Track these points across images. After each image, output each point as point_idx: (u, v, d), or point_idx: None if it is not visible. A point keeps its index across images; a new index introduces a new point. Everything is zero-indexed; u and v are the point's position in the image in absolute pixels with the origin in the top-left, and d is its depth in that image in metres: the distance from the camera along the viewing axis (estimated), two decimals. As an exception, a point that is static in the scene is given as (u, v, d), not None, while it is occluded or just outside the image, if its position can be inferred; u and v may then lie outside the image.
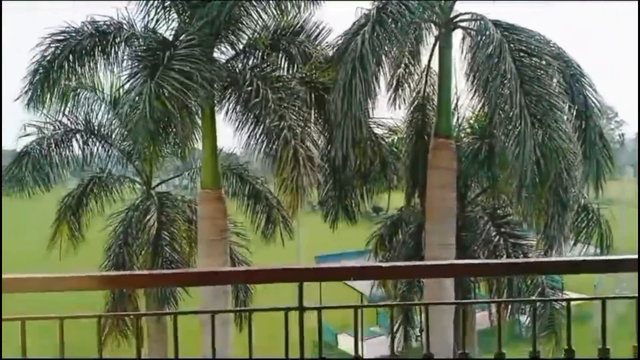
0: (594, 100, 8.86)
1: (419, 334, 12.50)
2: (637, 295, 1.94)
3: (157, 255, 9.75)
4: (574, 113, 8.52)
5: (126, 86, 8.16)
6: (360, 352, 1.97)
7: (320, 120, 10.03)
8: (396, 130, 10.95)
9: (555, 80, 8.05)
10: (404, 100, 10.93)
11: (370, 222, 13.36)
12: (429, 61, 10.11)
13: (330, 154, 8.88)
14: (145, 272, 1.61)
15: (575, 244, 11.17)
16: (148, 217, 10.20)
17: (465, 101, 10.15)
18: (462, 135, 11.37)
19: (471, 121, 11.55)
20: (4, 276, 1.59)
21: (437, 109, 9.81)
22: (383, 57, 8.26)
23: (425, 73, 10.53)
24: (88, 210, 11.82)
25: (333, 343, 20.93)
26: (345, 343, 20.66)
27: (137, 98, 7.08)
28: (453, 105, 10.06)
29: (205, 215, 8.94)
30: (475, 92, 9.04)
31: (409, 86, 10.90)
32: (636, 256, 1.76)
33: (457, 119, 11.09)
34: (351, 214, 9.99)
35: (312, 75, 9.26)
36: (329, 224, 9.71)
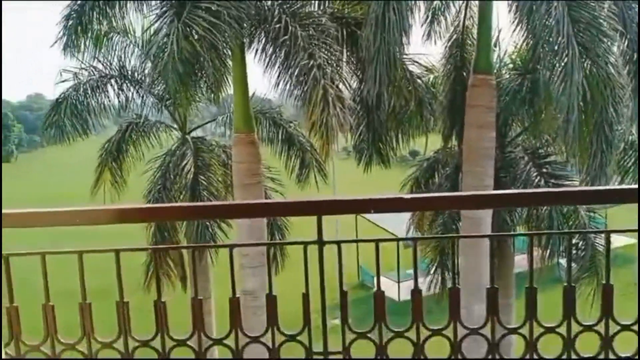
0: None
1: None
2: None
3: (195, 199, 9.92)
4: (626, 43, 7.85)
5: (154, 27, 8.03)
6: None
7: (352, 59, 9.70)
8: (432, 69, 10.46)
9: (606, 5, 7.38)
10: (440, 35, 10.37)
11: (407, 166, 13.14)
12: (469, -8, 9.47)
13: (362, 95, 8.61)
14: (165, 205, 1.54)
15: (620, 184, 10.68)
16: (184, 162, 10.33)
17: (507, 34, 9.54)
18: (503, 71, 10.80)
19: (513, 56, 10.92)
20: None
21: (476, 44, 9.26)
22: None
23: (464, 4, 9.89)
24: (128, 156, 12.07)
25: (371, 285, 21.35)
26: (384, 286, 21.02)
27: (164, 39, 6.96)
28: (494, 40, 9.48)
29: (239, 159, 8.96)
30: (518, 23, 8.45)
31: (446, 20, 10.30)
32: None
33: (498, 54, 10.51)
34: (385, 158, 9.76)
35: (344, 11, 8.86)
36: (362, 167, 9.52)
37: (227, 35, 7.87)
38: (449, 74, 10.32)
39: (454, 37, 10.21)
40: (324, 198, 1.57)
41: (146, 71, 10.87)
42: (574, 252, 10.36)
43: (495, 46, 9.72)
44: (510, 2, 8.58)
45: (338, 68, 8.08)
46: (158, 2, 8.18)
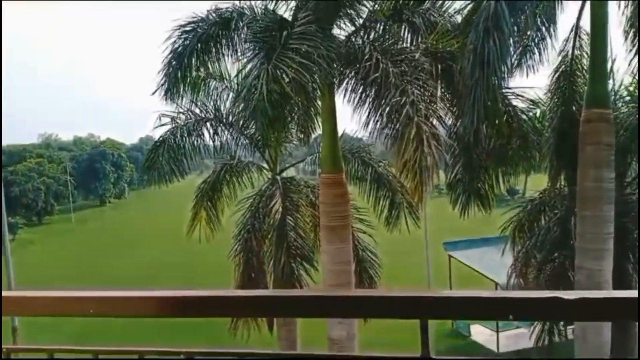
0: None
1: (562, 328, 11.11)
2: None
3: (282, 241, 9.76)
4: None
5: (246, 70, 8.12)
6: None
7: (447, 95, 9.17)
8: (538, 103, 9.59)
9: None
10: (533, 68, 9.49)
11: (503, 206, 12.16)
12: (578, 19, 8.64)
13: (458, 132, 8.01)
14: (218, 293, 1.21)
15: None
16: (273, 202, 10.25)
17: (623, 64, 8.54)
18: (620, 104, 9.66)
19: (630, 88, 9.78)
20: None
21: (589, 74, 8.33)
22: (521, 16, 7.14)
23: (573, 32, 9.04)
24: (222, 195, 12.30)
25: (466, 333, 19.88)
26: (479, 334, 19.54)
27: (254, 81, 6.94)
28: (609, 70, 8.50)
29: (325, 200, 8.67)
30: (637, 52, 7.51)
31: (539, 52, 9.45)
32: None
33: (612, 86, 9.45)
34: (485, 199, 8.93)
35: (438, 45, 8.42)
36: (459, 210, 8.76)
37: (317, 75, 7.74)
38: (555, 108, 9.41)
39: (562, 68, 9.32)
40: (429, 293, 1.11)
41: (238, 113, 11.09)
42: None
43: (610, 76, 8.72)
44: (626, 29, 7.68)
45: (432, 104, 7.58)
46: (251, 45, 8.28)
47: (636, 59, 8.07)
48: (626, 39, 8.16)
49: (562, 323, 10.97)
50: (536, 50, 9.34)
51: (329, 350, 8.64)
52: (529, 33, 9.17)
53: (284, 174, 11.95)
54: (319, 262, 9.23)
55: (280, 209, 9.88)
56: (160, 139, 11.34)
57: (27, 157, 61.07)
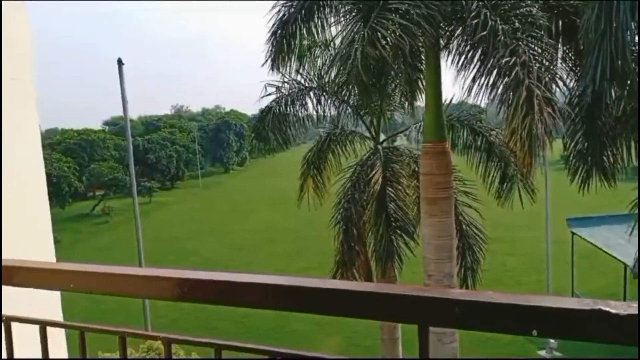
0: None
1: None
2: None
3: (381, 211, 9.53)
4: None
5: (344, 34, 7.85)
6: None
7: (570, 55, 8.11)
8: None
9: None
10: None
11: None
12: None
13: (580, 94, 7.04)
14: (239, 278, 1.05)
15: None
16: (373, 172, 10.01)
17: None
18: None
19: None
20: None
21: None
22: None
23: None
24: (327, 164, 12.36)
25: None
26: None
27: (348, 46, 6.68)
28: None
29: (427, 170, 8.23)
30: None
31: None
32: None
33: None
34: (609, 173, 7.82)
35: (561, -2, 7.44)
36: (577, 185, 7.76)
37: (418, 37, 7.25)
38: None
39: None
40: (430, 293, 0.87)
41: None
42: None
43: None
44: None
45: (550, 65, 6.72)
46: (349, 7, 7.97)
47: None
48: None
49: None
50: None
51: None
52: None
53: (385, 143, 11.62)
54: (420, 235, 8.88)
55: (380, 179, 9.62)
56: (266, 108, 11.60)
57: (162, 127, 67.16)
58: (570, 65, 7.94)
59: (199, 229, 37.73)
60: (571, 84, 7.94)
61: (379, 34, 6.98)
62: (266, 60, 10.38)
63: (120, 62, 15.44)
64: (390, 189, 9.80)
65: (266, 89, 11.37)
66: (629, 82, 6.48)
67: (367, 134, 11.86)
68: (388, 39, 7.06)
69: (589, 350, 16.24)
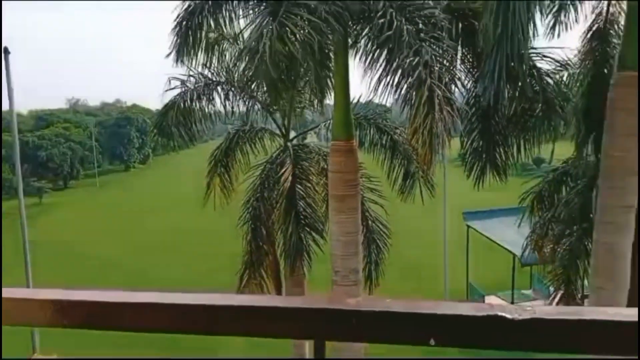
0: None
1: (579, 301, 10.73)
2: None
3: (290, 209, 9.48)
4: None
5: (252, 28, 7.66)
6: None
7: (469, 57, 8.58)
8: (567, 65, 8.92)
9: None
10: (566, 26, 8.80)
11: (530, 176, 11.65)
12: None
13: (478, 96, 7.48)
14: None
15: None
16: (283, 169, 9.93)
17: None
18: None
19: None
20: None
21: (624, 35, 7.63)
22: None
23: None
24: (236, 162, 12.05)
25: (482, 306, 19.66)
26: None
27: (256, 41, 6.52)
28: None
29: (335, 168, 8.29)
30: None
31: (575, 9, 8.72)
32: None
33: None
34: (501, 169, 8.43)
35: (462, 1, 7.82)
36: (472, 181, 8.31)
37: (327, 35, 7.27)
38: (586, 72, 8.74)
39: (595, 27, 8.60)
40: (325, 304, 0.77)
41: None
42: None
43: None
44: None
45: (450, 66, 7.05)
46: (257, 1, 7.81)
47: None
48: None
49: (579, 296, 10.60)
50: (572, 8, 8.65)
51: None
52: None
53: (295, 141, 11.59)
54: (328, 232, 8.96)
55: (290, 177, 9.56)
56: (170, 102, 11.06)
57: (55, 122, 62.03)
58: (468, 66, 8.39)
59: (96, 231, 35.32)
60: (468, 85, 8.42)
61: (287, 29, 6.89)
62: (170, 52, 9.90)
63: (6, 51, 13.90)
64: (299, 186, 9.78)
65: (170, 83, 10.85)
66: (519, 83, 6.99)
67: (277, 132, 11.75)
68: (297, 35, 7.00)
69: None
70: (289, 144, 11.09)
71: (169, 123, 10.80)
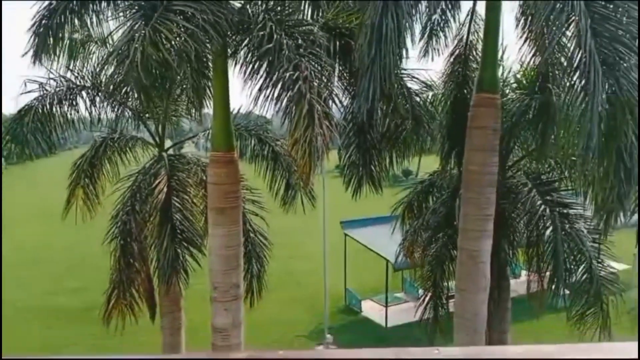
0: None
1: (445, 301, 11.65)
2: None
3: (165, 223, 8.98)
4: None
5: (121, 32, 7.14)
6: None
7: (345, 74, 8.88)
8: (432, 86, 9.69)
9: (625, 18, 6.61)
10: (439, 52, 9.62)
11: (399, 187, 12.40)
12: (474, 3, 8.72)
13: (354, 111, 7.76)
14: None
15: (628, 216, 9.92)
16: (157, 181, 9.39)
17: (513, 52, 8.81)
18: (508, 90, 10.03)
19: (518, 75, 10.18)
20: None
21: (482, 59, 8.47)
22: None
23: (470, 17, 9.15)
24: (102, 173, 11.15)
25: (358, 309, 20.42)
26: (370, 310, 20.18)
27: (126, 45, 6.08)
28: (500, 56, 8.72)
29: (215, 180, 8.03)
30: (526, 39, 7.71)
31: (445, 36, 9.54)
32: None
33: (502, 73, 9.77)
34: (376, 181, 8.88)
35: (338, 20, 8.07)
36: (351, 192, 8.66)
37: (205, 44, 7.03)
38: (449, 92, 9.55)
39: (457, 52, 9.44)
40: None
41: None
42: (577, 286, 9.66)
43: (500, 63, 8.96)
44: (519, 16, 7.85)
45: (328, 82, 7.22)
46: (130, 2, 7.31)
47: (525, 46, 8.28)
48: (517, 26, 8.34)
49: (444, 297, 11.49)
50: (442, 34, 9.39)
51: (212, 339, 8.16)
52: (433, 18, 9.17)
53: (171, 151, 11.05)
54: (207, 246, 8.64)
55: (165, 189, 9.06)
56: (26, 107, 9.90)
57: None
58: (345, 83, 8.69)
59: None
60: (345, 101, 8.72)
61: (162, 35, 6.54)
62: (27, 52, 8.87)
63: None
64: (176, 199, 9.32)
65: (26, 85, 9.72)
66: (391, 103, 7.41)
67: (151, 140, 11.10)
68: (173, 42, 6.68)
69: (364, 341, 18.13)
70: (164, 153, 10.53)
71: (25, 129, 9.65)
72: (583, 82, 5.84)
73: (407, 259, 11.72)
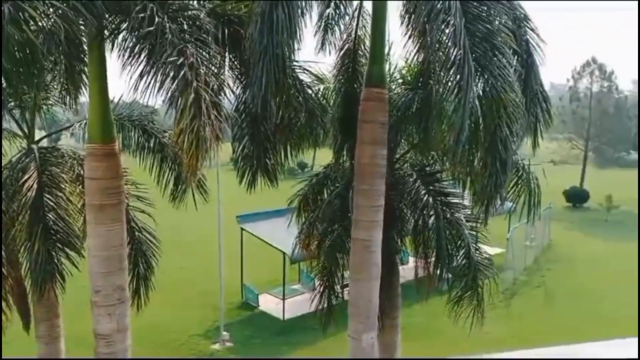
0: (536, 47, 8.12)
1: (340, 290, 11.92)
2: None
3: (37, 223, 8.09)
4: (518, 59, 7.71)
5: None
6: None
7: (236, 64, 8.60)
8: (323, 79, 9.75)
9: (497, 20, 7.14)
10: (335, 45, 9.69)
11: (294, 179, 12.40)
12: (362, -2, 8.88)
13: (247, 102, 7.55)
14: None
15: (502, 203, 10.85)
16: (26, 176, 8.42)
17: (399, 48, 9.14)
18: (394, 85, 10.41)
19: (403, 71, 10.60)
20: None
21: (369, 55, 8.67)
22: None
23: (357, 12, 9.31)
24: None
25: (254, 304, 20.27)
26: (267, 303, 20.14)
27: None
28: (387, 52, 8.98)
29: (93, 175, 7.36)
30: (410, 36, 8.02)
31: (339, 29, 9.63)
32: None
33: (389, 68, 10.10)
34: (272, 174, 8.76)
35: (226, 7, 7.78)
36: (245, 185, 8.45)
37: (78, 25, 6.40)
38: (340, 86, 9.67)
39: (346, 46, 9.58)
40: None
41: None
42: (458, 271, 10.35)
43: (387, 58, 9.24)
44: (403, 14, 8.12)
45: (216, 71, 6.92)
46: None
47: (410, 42, 8.58)
48: (402, 22, 8.63)
49: (339, 286, 11.73)
50: (337, 28, 9.43)
51: (96, 346, 7.53)
52: (327, 11, 9.18)
53: (42, 143, 9.99)
54: (86, 247, 7.93)
55: (36, 185, 8.15)
56: None
57: None
58: (237, 73, 8.41)
59: None
60: (237, 91, 8.46)
61: (26, 13, 5.81)
62: None
63: None
64: (48, 196, 8.42)
65: None
66: (284, 95, 7.31)
67: (18, 131, 9.94)
68: (41, 23, 5.98)
69: (261, 335, 17.98)
70: (33, 146, 9.47)
71: None
72: (457, 77, 6.19)
73: (304, 251, 11.77)
